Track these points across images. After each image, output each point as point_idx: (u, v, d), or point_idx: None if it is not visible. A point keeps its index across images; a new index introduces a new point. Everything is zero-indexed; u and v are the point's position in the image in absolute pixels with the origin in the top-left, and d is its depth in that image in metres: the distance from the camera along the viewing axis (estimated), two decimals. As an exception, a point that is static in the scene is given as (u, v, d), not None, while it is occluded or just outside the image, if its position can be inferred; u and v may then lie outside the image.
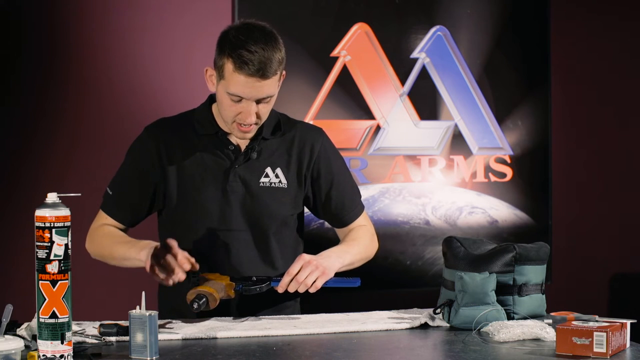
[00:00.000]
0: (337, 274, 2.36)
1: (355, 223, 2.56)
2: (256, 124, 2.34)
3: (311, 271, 2.28)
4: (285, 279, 2.28)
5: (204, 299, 2.19)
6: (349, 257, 2.44)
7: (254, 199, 2.40)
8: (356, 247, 2.49)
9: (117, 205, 2.44)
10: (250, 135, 2.38)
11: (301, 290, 2.29)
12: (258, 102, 2.29)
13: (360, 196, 2.58)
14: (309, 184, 2.47)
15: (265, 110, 2.33)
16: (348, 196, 2.53)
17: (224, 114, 2.35)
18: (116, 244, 2.39)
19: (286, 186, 2.43)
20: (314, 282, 2.28)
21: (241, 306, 2.40)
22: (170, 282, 2.22)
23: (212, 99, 2.45)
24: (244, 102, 2.29)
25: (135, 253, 2.31)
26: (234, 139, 2.41)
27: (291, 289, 2.28)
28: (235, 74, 2.25)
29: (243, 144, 2.41)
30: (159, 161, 2.40)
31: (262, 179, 2.41)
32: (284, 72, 2.32)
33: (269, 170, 2.42)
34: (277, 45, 2.28)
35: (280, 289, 2.28)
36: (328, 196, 2.50)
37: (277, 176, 2.42)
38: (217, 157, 2.40)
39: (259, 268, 2.40)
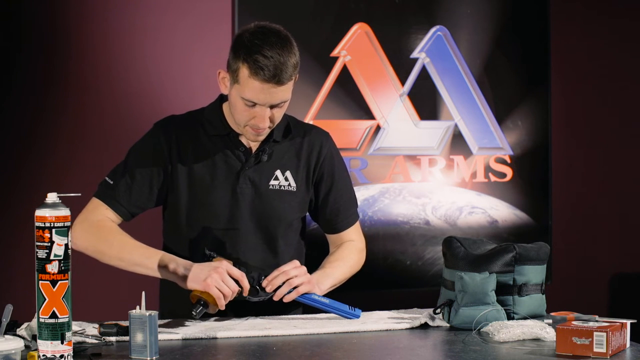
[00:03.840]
0: (335, 296, 2.36)
1: (346, 234, 2.55)
2: (269, 127, 2.34)
3: (299, 274, 2.29)
4: (274, 272, 2.29)
5: (202, 307, 2.19)
6: (330, 281, 2.43)
7: (263, 201, 2.40)
8: (339, 268, 2.48)
9: (117, 195, 2.37)
10: (262, 137, 2.37)
11: (283, 290, 2.27)
12: (272, 106, 2.28)
13: (356, 206, 2.58)
14: (313, 187, 2.48)
15: (278, 114, 2.32)
16: (344, 204, 2.52)
17: (237, 117, 2.33)
18: (128, 246, 2.33)
19: (295, 189, 2.43)
20: (297, 287, 2.28)
21: (240, 307, 2.39)
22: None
23: (222, 98, 2.43)
24: (257, 107, 2.27)
25: (154, 264, 2.29)
26: (245, 141, 2.40)
27: (276, 282, 2.27)
28: (250, 79, 2.23)
29: (254, 146, 2.41)
30: (169, 158, 2.38)
31: (272, 182, 2.41)
32: (296, 75, 2.31)
33: (278, 173, 2.42)
34: (292, 49, 2.27)
35: (266, 281, 2.28)
36: (325, 201, 2.49)
37: (286, 179, 2.42)
38: (227, 158, 2.39)
39: (264, 269, 2.40)
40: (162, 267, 2.28)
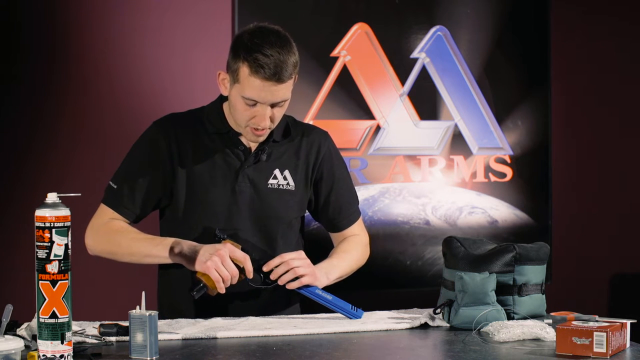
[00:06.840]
0: (337, 295, 2.36)
1: (349, 230, 2.56)
2: (269, 127, 2.34)
3: (302, 265, 2.29)
4: (276, 260, 2.29)
5: (201, 289, 2.21)
6: (337, 272, 2.44)
7: (261, 200, 2.40)
8: (346, 260, 2.49)
9: (123, 200, 2.39)
10: (263, 138, 2.38)
11: (287, 277, 2.28)
12: (272, 105, 2.29)
13: (357, 202, 2.59)
14: (312, 186, 2.48)
15: (279, 113, 2.33)
16: (345, 203, 2.54)
17: (237, 117, 2.34)
18: (136, 241, 2.36)
19: (293, 189, 2.43)
20: (301, 277, 2.29)
21: (240, 307, 2.39)
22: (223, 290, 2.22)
23: (222, 97, 2.43)
24: (258, 106, 2.28)
25: (163, 251, 2.30)
26: (244, 140, 2.41)
27: (279, 271, 2.28)
28: (250, 78, 2.24)
29: (253, 146, 2.41)
30: (169, 156, 2.38)
31: (271, 181, 2.41)
32: (296, 75, 2.31)
33: (277, 172, 2.42)
34: (291, 49, 2.28)
35: (266, 267, 2.29)
36: (327, 201, 2.50)
37: (285, 178, 2.43)
38: (227, 157, 2.40)
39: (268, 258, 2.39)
40: (170, 252, 2.30)
